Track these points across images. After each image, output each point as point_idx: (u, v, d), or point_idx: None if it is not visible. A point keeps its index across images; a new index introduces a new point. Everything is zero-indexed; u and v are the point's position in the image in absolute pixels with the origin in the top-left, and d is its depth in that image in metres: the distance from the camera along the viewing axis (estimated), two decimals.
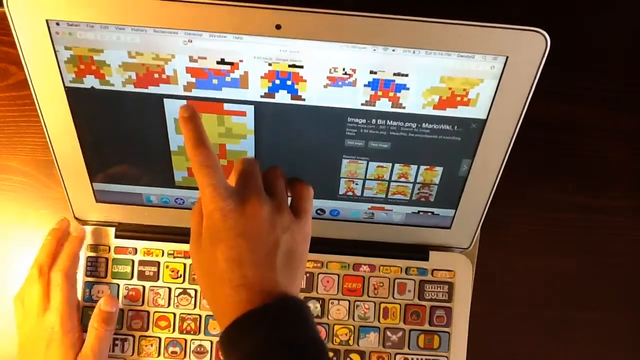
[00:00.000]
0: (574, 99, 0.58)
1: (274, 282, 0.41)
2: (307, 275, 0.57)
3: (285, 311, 0.40)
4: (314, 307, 0.57)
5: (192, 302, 0.57)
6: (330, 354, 0.57)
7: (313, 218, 0.55)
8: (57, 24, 0.44)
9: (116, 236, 0.57)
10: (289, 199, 0.45)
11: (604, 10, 0.57)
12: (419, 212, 0.55)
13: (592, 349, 0.60)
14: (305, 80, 0.46)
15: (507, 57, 0.44)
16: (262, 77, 0.46)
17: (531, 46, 0.43)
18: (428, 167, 0.51)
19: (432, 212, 0.55)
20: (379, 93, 0.46)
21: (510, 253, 0.60)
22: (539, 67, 0.44)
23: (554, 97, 0.57)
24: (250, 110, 0.48)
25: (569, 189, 0.59)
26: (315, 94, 0.47)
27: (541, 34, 0.43)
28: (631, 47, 0.58)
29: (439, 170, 0.51)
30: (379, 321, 0.57)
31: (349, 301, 0.57)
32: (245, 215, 0.41)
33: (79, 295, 0.56)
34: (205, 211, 0.41)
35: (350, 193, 0.54)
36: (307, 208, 0.44)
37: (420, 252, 0.57)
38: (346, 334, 0.57)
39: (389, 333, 0.57)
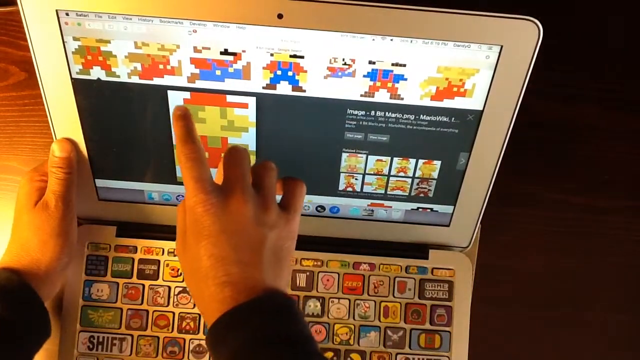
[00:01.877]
0: (573, 99, 0.59)
1: (259, 279, 0.40)
2: (307, 273, 0.57)
3: (270, 306, 0.39)
4: (314, 305, 0.57)
5: (192, 301, 0.56)
6: (330, 354, 0.56)
7: (313, 216, 0.56)
8: (67, 14, 0.45)
9: (117, 235, 0.57)
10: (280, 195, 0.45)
11: (603, 9, 0.58)
12: (418, 208, 0.55)
13: (592, 349, 0.60)
14: (306, 71, 0.47)
15: (502, 47, 0.45)
16: (264, 68, 0.47)
17: (524, 35, 0.45)
18: (426, 160, 0.52)
19: (431, 209, 0.55)
20: (378, 84, 0.48)
21: (510, 253, 0.60)
22: (533, 56, 0.45)
23: (553, 97, 0.58)
24: (252, 102, 0.49)
25: (569, 189, 0.60)
26: (316, 85, 0.48)
27: (534, 22, 0.44)
28: (631, 47, 0.59)
29: (437, 164, 0.52)
30: (379, 320, 0.57)
31: (349, 300, 0.57)
32: (229, 211, 0.40)
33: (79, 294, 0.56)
34: (187, 205, 0.41)
35: (350, 189, 0.54)
36: (296, 205, 0.44)
37: (419, 250, 0.57)
38: (346, 333, 0.56)
39: (389, 332, 0.56)
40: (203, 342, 0.56)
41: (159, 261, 0.57)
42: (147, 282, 0.57)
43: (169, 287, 0.57)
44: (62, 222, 0.51)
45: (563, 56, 0.58)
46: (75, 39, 0.46)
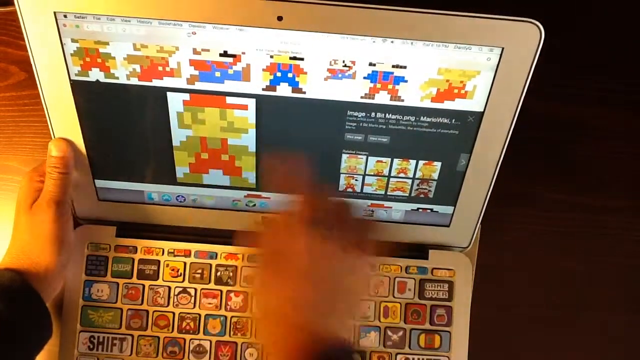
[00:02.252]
0: (574, 99, 0.59)
1: (329, 326, 0.41)
2: None
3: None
4: None
5: (192, 301, 0.57)
6: None
7: None
8: (65, 15, 0.45)
9: (117, 235, 0.57)
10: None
11: (603, 9, 0.58)
12: (418, 209, 0.55)
13: (592, 349, 0.60)
14: (306, 73, 0.47)
15: (503, 49, 0.45)
16: (263, 70, 0.47)
17: (526, 37, 0.44)
18: (427, 162, 0.52)
19: (431, 209, 0.55)
20: (378, 85, 0.47)
21: (510, 253, 0.60)
22: (534, 58, 0.45)
23: (554, 97, 0.58)
24: (251, 103, 0.49)
25: (569, 189, 0.59)
26: (316, 86, 0.48)
27: (535, 25, 0.44)
28: (632, 47, 0.59)
29: (438, 165, 0.52)
30: (379, 320, 0.57)
31: None
32: (313, 255, 0.41)
33: (79, 294, 0.56)
34: (280, 241, 0.42)
35: (350, 189, 0.54)
36: (373, 246, 0.45)
37: (419, 250, 0.57)
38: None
39: (389, 332, 0.57)
40: (203, 342, 0.56)
41: (159, 261, 0.57)
42: (147, 283, 0.57)
43: (169, 288, 0.57)
44: (56, 224, 0.51)
45: (563, 56, 0.57)
46: (73, 40, 0.46)
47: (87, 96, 0.49)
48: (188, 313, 0.57)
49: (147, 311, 0.57)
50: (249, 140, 0.51)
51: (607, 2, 0.58)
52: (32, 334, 0.50)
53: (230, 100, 0.49)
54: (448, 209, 0.55)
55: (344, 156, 0.52)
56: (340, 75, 0.47)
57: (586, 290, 0.60)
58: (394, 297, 0.57)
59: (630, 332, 0.60)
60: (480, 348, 0.57)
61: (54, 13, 0.45)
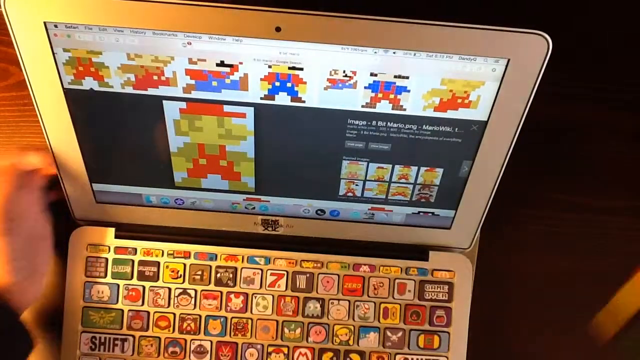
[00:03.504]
0: (573, 99, 0.57)
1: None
2: (307, 275, 0.57)
3: None
4: (314, 307, 0.57)
5: (192, 302, 0.57)
6: (330, 354, 0.57)
7: (314, 218, 0.55)
8: (55, 25, 0.43)
9: (116, 236, 0.57)
10: None
11: (603, 9, 0.56)
12: (419, 212, 0.55)
13: (592, 349, 0.60)
14: (305, 83, 0.46)
15: (509, 60, 0.44)
16: (261, 79, 0.46)
17: (533, 49, 0.43)
18: (428, 168, 0.51)
19: (432, 213, 0.55)
20: (380, 95, 0.46)
21: (510, 253, 0.60)
22: (541, 69, 0.44)
23: (553, 97, 0.57)
24: (250, 111, 0.48)
25: (569, 189, 0.59)
26: (315, 96, 0.46)
27: (543, 36, 0.43)
28: (631, 47, 0.57)
29: (440, 171, 0.51)
30: (378, 321, 0.57)
31: (349, 301, 0.57)
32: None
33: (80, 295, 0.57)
34: None
35: (350, 194, 0.54)
36: None
37: (420, 252, 0.57)
38: (346, 334, 0.57)
39: (389, 333, 0.57)
40: (204, 342, 0.57)
41: (158, 263, 0.57)
42: (147, 284, 0.57)
43: (169, 289, 0.57)
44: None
45: (563, 56, 0.56)
46: (65, 50, 0.45)
47: (81, 104, 0.48)
48: (188, 314, 0.57)
49: (148, 312, 0.57)
50: (248, 146, 0.50)
51: (606, 3, 0.56)
52: (8, 349, 0.47)
53: (227, 108, 0.48)
54: (449, 213, 0.55)
55: (345, 162, 0.51)
56: (340, 85, 0.46)
57: (586, 290, 0.60)
58: (393, 298, 0.57)
59: (630, 332, 0.60)
60: (480, 348, 0.58)
61: (44, 23, 0.43)
